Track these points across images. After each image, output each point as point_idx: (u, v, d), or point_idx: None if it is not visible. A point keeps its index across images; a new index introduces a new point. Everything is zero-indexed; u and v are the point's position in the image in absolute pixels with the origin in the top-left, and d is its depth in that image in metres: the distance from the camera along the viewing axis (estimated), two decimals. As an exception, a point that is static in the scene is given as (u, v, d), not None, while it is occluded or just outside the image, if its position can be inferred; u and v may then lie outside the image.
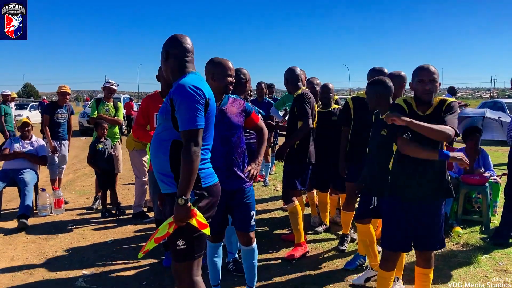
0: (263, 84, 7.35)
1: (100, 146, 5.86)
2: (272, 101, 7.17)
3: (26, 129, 6.17)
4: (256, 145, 3.48)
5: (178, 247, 2.36)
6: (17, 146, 6.01)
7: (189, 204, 2.20)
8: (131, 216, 5.84)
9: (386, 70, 4.21)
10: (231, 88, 3.11)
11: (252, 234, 3.27)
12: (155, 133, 2.49)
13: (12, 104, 10.92)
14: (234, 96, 3.25)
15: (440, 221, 2.86)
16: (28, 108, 29.60)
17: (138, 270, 4.04)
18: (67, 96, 6.69)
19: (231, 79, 3.04)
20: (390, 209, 2.88)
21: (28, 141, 6.13)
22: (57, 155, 6.49)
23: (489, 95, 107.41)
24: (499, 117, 6.34)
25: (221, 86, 3.03)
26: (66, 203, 6.38)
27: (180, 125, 2.27)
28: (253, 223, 3.25)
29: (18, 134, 7.18)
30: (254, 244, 3.30)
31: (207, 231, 2.32)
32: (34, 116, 26.63)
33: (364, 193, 3.62)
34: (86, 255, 4.46)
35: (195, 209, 2.25)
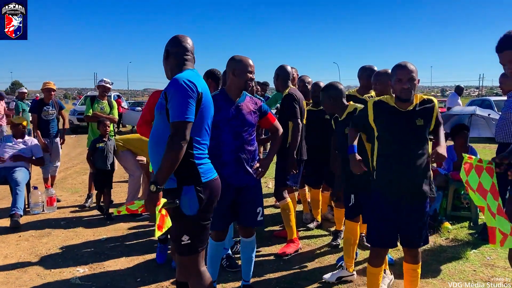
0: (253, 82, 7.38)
1: (101, 145, 5.75)
2: (263, 99, 7.21)
3: (19, 127, 6.14)
4: (270, 144, 3.61)
5: (182, 242, 2.40)
6: (8, 146, 5.97)
7: (160, 194, 2.24)
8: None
9: (375, 68, 4.31)
10: (251, 84, 3.23)
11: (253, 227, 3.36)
12: (153, 129, 2.52)
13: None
14: (251, 96, 3.34)
15: (423, 218, 2.87)
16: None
17: (132, 267, 4.06)
18: (52, 92, 6.67)
19: (251, 75, 3.17)
20: (375, 206, 2.93)
21: (21, 140, 6.10)
22: (49, 153, 6.48)
23: (477, 93, 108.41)
24: (489, 114, 6.46)
25: (241, 81, 3.14)
26: (58, 201, 6.36)
27: (170, 116, 2.30)
28: (260, 218, 3.31)
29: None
30: (254, 237, 3.38)
31: (158, 233, 2.27)
32: (22, 114, 26.40)
33: (344, 192, 3.70)
34: (80, 252, 4.47)
35: (160, 201, 2.26)
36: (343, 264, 3.74)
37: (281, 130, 3.50)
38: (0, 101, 10.78)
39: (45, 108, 6.54)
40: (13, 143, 6.04)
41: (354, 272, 3.72)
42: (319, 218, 5.31)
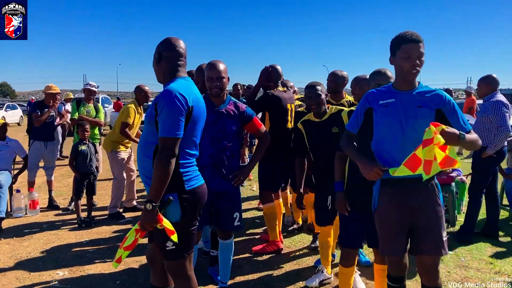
0: (239, 86, 7.44)
1: (83, 147, 5.67)
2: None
3: (3, 130, 6.12)
4: (255, 150, 3.64)
5: (167, 248, 2.43)
6: None
7: (156, 210, 2.26)
8: (106, 216, 5.87)
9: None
10: (213, 89, 3.19)
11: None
12: (141, 136, 2.55)
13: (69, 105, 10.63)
14: (236, 101, 3.36)
15: None
16: (4, 107, 29.03)
17: (112, 270, 4.08)
18: (57, 97, 6.63)
19: (211, 83, 3.17)
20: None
21: (2, 142, 6.08)
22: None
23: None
24: (467, 120, 6.56)
25: (208, 87, 3.21)
26: (56, 206, 6.35)
27: (159, 130, 2.32)
28: (236, 223, 3.37)
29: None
30: (232, 239, 3.44)
31: (174, 237, 2.35)
32: (11, 116, 26.23)
33: (319, 196, 3.64)
34: (61, 255, 4.49)
35: (161, 215, 2.30)
36: (321, 267, 3.81)
37: (268, 136, 3.52)
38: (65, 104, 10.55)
39: (45, 110, 6.35)
40: None
41: (332, 275, 3.79)
42: (299, 220, 5.37)
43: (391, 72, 2.91)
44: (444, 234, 2.53)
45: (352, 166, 2.94)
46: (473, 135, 2.44)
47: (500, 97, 4.62)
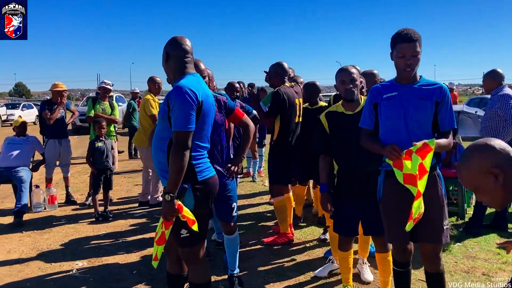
0: (241, 84, 7.48)
1: (100, 144, 5.83)
2: (226, 95, 7.33)
3: (22, 128, 6.38)
4: (241, 141, 3.67)
5: (181, 236, 2.57)
6: (12, 144, 6.19)
7: (175, 200, 2.40)
8: (122, 211, 6.06)
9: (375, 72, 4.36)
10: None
11: (233, 224, 3.53)
12: (156, 132, 2.69)
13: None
14: (216, 94, 3.42)
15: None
16: (21, 107, 29.60)
17: (128, 261, 4.25)
18: (64, 94, 6.78)
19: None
20: (338, 197, 3.18)
21: (23, 137, 6.33)
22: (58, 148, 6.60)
23: (481, 91, 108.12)
24: (476, 112, 6.62)
25: None
26: (73, 201, 6.58)
27: (172, 125, 2.46)
28: (234, 214, 3.49)
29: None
30: (236, 233, 3.56)
31: (195, 227, 2.48)
32: (27, 115, 26.69)
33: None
34: (79, 247, 4.67)
35: (181, 204, 2.43)
36: (332, 258, 3.93)
37: (251, 125, 3.49)
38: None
39: (54, 107, 6.51)
40: (16, 140, 6.29)
41: None
42: (300, 214, 5.42)
43: (355, 68, 3.10)
44: (446, 223, 2.64)
45: (341, 160, 3.10)
46: (442, 140, 2.58)
47: (507, 90, 4.66)
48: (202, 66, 3.31)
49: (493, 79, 4.79)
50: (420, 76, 2.67)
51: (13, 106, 30.00)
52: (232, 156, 3.63)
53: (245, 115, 3.56)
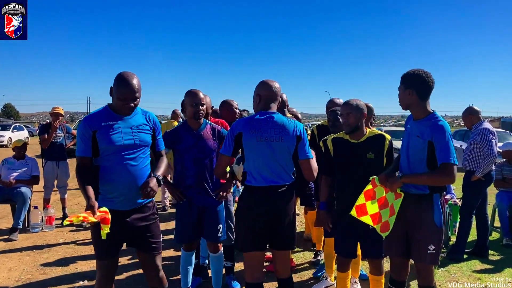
0: (233, 108, 7.65)
1: None
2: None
3: (23, 150, 6.56)
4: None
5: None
6: (11, 168, 6.37)
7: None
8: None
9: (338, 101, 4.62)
10: (199, 113, 3.53)
11: (220, 245, 3.77)
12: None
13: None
14: (212, 124, 3.72)
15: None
16: (11, 128, 29.53)
17: (130, 280, 4.41)
18: (60, 117, 7.01)
19: (196, 108, 3.51)
20: (337, 221, 3.41)
21: (23, 161, 6.49)
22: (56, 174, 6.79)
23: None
24: (460, 145, 6.96)
25: (190, 113, 3.55)
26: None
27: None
28: (220, 235, 3.68)
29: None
30: (221, 251, 3.78)
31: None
32: (17, 137, 26.54)
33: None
34: (79, 266, 4.82)
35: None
36: (325, 275, 4.22)
37: None
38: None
39: (49, 131, 6.68)
40: (16, 164, 6.44)
41: (334, 281, 4.14)
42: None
43: (353, 102, 3.33)
44: (431, 248, 2.89)
45: (342, 186, 3.37)
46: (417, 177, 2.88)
47: (487, 125, 5.03)
48: (201, 95, 3.58)
49: (470, 115, 5.18)
50: (432, 111, 2.94)
51: (4, 128, 29.93)
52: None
53: None
